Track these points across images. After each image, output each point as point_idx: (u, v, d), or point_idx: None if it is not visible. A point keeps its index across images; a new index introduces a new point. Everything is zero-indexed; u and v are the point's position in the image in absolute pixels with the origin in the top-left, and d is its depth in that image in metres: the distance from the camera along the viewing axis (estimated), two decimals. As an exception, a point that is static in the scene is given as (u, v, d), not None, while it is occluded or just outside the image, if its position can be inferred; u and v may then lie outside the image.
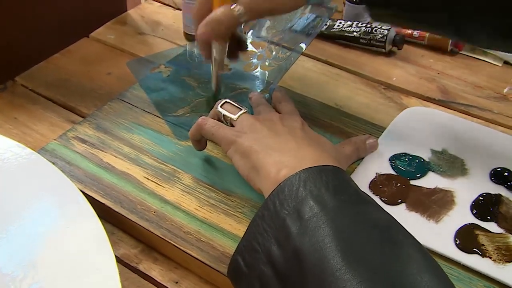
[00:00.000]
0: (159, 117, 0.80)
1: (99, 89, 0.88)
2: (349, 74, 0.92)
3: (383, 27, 0.95)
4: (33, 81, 0.90)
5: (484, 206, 0.66)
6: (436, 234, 0.63)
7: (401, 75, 0.92)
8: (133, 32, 1.02)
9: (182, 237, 0.63)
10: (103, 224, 0.60)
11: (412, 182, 0.70)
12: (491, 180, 0.70)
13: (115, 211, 0.67)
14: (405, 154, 0.74)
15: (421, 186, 0.69)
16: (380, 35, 0.94)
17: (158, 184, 0.70)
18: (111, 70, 0.92)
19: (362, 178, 0.70)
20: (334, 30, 0.98)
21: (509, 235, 0.63)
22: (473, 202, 0.67)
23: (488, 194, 0.68)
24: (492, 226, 0.64)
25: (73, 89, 0.88)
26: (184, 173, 0.71)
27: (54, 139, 0.76)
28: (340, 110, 0.82)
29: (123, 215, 0.66)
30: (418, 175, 0.71)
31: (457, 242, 0.62)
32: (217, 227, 0.65)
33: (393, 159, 0.73)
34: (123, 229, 0.68)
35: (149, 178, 0.71)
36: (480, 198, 0.67)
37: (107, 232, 0.59)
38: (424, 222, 0.65)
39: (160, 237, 0.63)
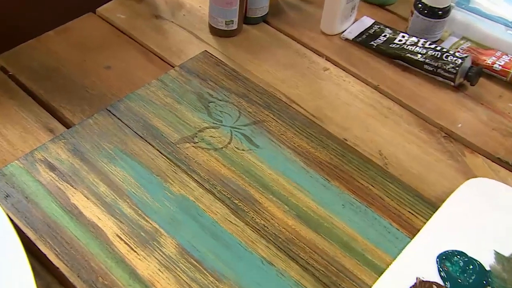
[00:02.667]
0: (153, 146, 0.62)
1: (92, 88, 0.71)
2: (403, 109, 0.73)
3: (457, 54, 0.75)
4: (15, 64, 0.74)
5: None
6: None
7: (469, 121, 0.72)
8: (148, 13, 0.83)
9: None
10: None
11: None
12: None
13: (69, 281, 0.51)
14: (460, 254, 0.56)
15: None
16: (451, 64, 0.74)
17: (132, 249, 0.54)
18: (111, 62, 0.75)
19: (397, 283, 0.53)
20: (393, 46, 0.78)
21: None
22: None
23: None
24: None
25: (61, 82, 0.71)
26: (168, 237, 0.55)
27: (17, 161, 0.60)
28: (384, 169, 0.63)
29: (77, 289, 0.51)
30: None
31: None
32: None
33: (442, 259, 0.55)
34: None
35: (122, 237, 0.55)
36: None
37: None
38: None
39: None
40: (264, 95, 0.69)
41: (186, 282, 0.52)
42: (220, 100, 0.68)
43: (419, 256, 0.55)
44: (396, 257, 0.55)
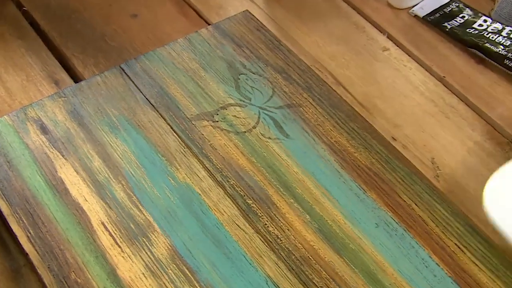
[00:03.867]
0: (164, 120, 0.53)
1: (112, 38, 0.62)
2: (469, 110, 0.61)
3: (547, 52, 0.61)
4: (32, 0, 0.64)
5: None
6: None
7: (549, 136, 0.60)
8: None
9: None
10: None
11: None
12: None
13: (38, 272, 0.44)
14: None
15: None
16: (538, 63, 0.61)
17: (116, 243, 0.45)
18: (139, 10, 0.65)
19: None
20: (471, 31, 0.65)
21: None
22: None
23: None
24: None
25: (78, 27, 0.62)
26: (161, 235, 0.46)
27: (6, 116, 0.52)
28: (432, 185, 0.53)
29: (45, 284, 0.43)
30: None
31: None
32: None
33: None
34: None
35: (108, 227, 0.46)
36: None
37: None
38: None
39: None
40: (306, 73, 0.58)
41: (172, 294, 0.43)
42: (253, 73, 0.58)
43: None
44: (430, 301, 0.45)
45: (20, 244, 0.45)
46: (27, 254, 0.45)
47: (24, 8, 0.64)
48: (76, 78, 0.58)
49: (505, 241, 0.46)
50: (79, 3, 0.65)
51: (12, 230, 0.46)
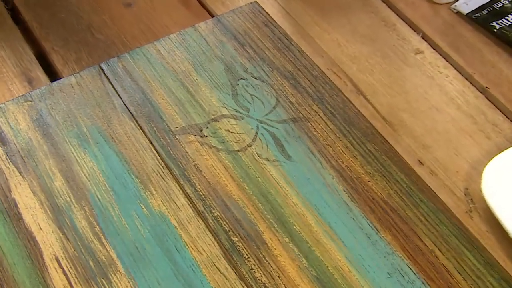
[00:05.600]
0: (143, 132, 0.45)
1: (100, 30, 0.54)
2: (516, 130, 0.51)
3: None
4: (15, -18, 0.57)
5: None
6: None
7: None
8: None
9: None
10: None
11: None
12: None
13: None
14: None
15: None
16: None
17: (69, 285, 0.38)
18: (134, -2, 0.57)
19: None
20: (524, 33, 0.55)
21: None
22: None
23: None
24: None
25: (62, 16, 0.55)
26: (124, 276, 0.38)
27: (-40, 121, 0.44)
28: (463, 226, 0.43)
29: (-21, 332, 0.36)
30: None
31: None
32: None
33: None
34: None
35: (62, 263, 0.38)
36: None
37: None
38: None
39: None
40: (318, 79, 0.49)
41: None
42: (255, 78, 0.49)
43: None
44: None
45: (-43, 279, 0.38)
46: (-38, 293, 0.38)
47: (5, -7, 0.56)
48: (53, 76, 0.51)
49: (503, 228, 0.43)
50: (68, -13, 0.57)
51: (-50, 261, 0.39)
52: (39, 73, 0.51)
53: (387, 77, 0.53)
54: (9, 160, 0.43)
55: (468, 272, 0.40)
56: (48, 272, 0.39)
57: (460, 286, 0.40)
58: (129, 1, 0.57)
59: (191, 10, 0.57)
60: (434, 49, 0.56)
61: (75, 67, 0.51)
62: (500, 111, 0.52)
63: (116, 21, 0.55)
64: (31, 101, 0.46)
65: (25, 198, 0.41)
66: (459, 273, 0.40)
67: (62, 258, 0.39)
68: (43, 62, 0.52)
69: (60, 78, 0.49)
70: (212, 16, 0.56)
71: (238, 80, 0.49)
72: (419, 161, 0.48)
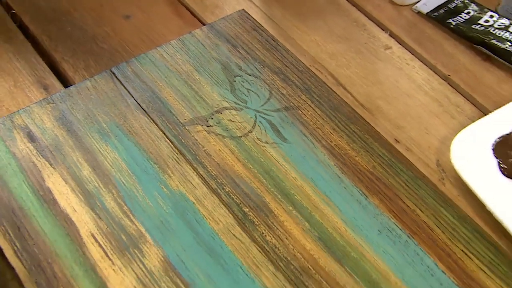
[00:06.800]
0: (156, 125, 0.51)
1: (103, 40, 0.60)
2: (475, 110, 0.59)
3: (556, 47, 0.59)
4: (22, 1, 0.62)
5: None
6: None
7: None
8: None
9: None
10: None
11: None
12: None
13: (24, 286, 0.42)
14: None
15: None
16: (547, 60, 0.59)
17: (107, 255, 0.43)
18: (132, 11, 0.63)
19: (492, 128, 0.53)
20: (477, 28, 0.63)
21: None
22: None
23: None
24: None
25: (68, 30, 0.60)
26: (153, 246, 0.44)
27: (-8, 124, 0.50)
28: (438, 189, 0.50)
29: (32, 300, 0.41)
30: None
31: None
32: None
33: None
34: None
35: (98, 239, 0.44)
36: None
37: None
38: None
39: None
40: (304, 74, 0.56)
41: (165, 309, 0.41)
42: (249, 75, 0.55)
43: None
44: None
45: (6, 259, 0.43)
46: (13, 268, 0.43)
47: (12, 11, 0.62)
48: (66, 82, 0.56)
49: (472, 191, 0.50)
50: (69, 5, 0.63)
51: (-4, 244, 0.44)
52: (53, 80, 0.56)
53: (362, 70, 0.61)
54: (39, 154, 0.49)
55: (445, 226, 0.48)
56: (86, 247, 0.44)
57: (439, 237, 0.47)
58: (127, 14, 0.63)
59: (184, 19, 0.63)
60: (400, 44, 0.64)
61: (85, 74, 0.57)
62: (461, 94, 0.60)
63: (118, 32, 0.61)
64: (53, 103, 0.52)
65: (58, 185, 0.47)
66: (438, 227, 0.48)
67: (97, 234, 0.45)
68: (55, 71, 0.58)
69: (72, 85, 0.55)
70: (203, 24, 0.63)
71: (235, 77, 0.55)
72: (395, 139, 0.55)
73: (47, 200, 0.46)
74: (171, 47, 0.57)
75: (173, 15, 0.64)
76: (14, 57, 0.58)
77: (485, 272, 0.45)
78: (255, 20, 0.60)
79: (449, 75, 0.61)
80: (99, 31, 0.61)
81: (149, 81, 0.54)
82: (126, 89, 0.53)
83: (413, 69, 0.61)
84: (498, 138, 0.54)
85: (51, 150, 0.49)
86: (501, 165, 0.52)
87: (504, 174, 0.52)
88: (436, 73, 0.61)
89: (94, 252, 0.44)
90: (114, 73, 0.54)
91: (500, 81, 0.61)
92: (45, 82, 0.56)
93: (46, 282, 0.42)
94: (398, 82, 0.60)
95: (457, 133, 0.54)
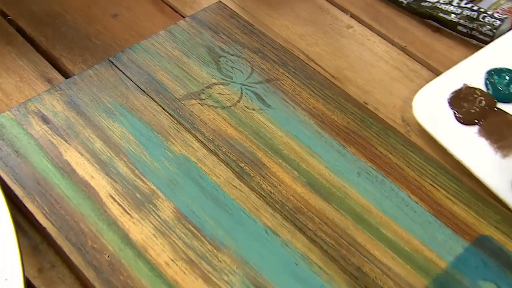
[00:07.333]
0: (156, 102, 0.58)
1: (96, 37, 0.66)
2: (431, 73, 0.67)
3: (495, 15, 0.68)
4: (15, 7, 0.69)
5: None
6: (497, 170, 0.56)
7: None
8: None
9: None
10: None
11: (500, 106, 0.61)
12: None
13: (56, 243, 0.48)
14: (509, 71, 0.63)
15: (507, 113, 0.61)
16: (488, 25, 0.68)
17: (126, 211, 0.50)
18: (118, 10, 0.70)
19: (446, 85, 0.62)
20: (425, 4, 0.72)
21: None
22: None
23: None
24: None
25: (63, 30, 0.67)
26: (165, 200, 0.50)
27: (8, 111, 0.56)
28: (405, 137, 0.58)
29: (65, 253, 0.47)
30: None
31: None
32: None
33: (491, 74, 0.63)
34: (67, 264, 0.49)
35: (116, 198, 0.50)
36: None
37: (47, 262, 0.47)
38: (490, 152, 0.58)
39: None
40: (280, 51, 0.64)
41: (182, 250, 0.48)
42: (232, 55, 0.63)
43: (470, 69, 0.63)
44: (413, 232, 0.50)
45: (37, 222, 0.49)
46: (44, 229, 0.49)
47: (9, 17, 0.68)
48: (66, 75, 0.62)
49: (434, 139, 0.59)
50: (60, 8, 0.69)
51: (27, 210, 0.50)
52: (55, 74, 0.62)
53: (330, 47, 0.69)
54: (54, 133, 0.55)
55: (414, 165, 0.55)
56: (106, 206, 0.50)
57: (410, 175, 0.55)
58: (115, 13, 0.69)
59: (166, 15, 0.71)
60: (361, 23, 0.72)
61: (83, 67, 0.63)
62: (417, 62, 0.68)
63: (108, 29, 0.68)
64: (60, 91, 0.58)
65: (74, 158, 0.53)
66: (408, 167, 0.55)
67: (115, 195, 0.51)
68: (55, 66, 0.64)
69: (73, 76, 0.61)
70: (184, 17, 0.70)
71: (219, 57, 0.62)
72: (364, 102, 0.63)
73: (67, 170, 0.52)
74: (160, 37, 0.64)
75: (156, 11, 0.71)
76: (17, 56, 0.64)
77: (451, 200, 0.53)
78: (231, 9, 0.68)
79: (405, 46, 0.69)
80: (91, 29, 0.67)
81: (144, 66, 0.61)
82: (125, 74, 0.60)
83: (374, 43, 0.70)
84: (452, 93, 0.62)
85: (65, 129, 0.55)
86: (457, 115, 0.60)
87: (460, 122, 0.60)
88: (394, 45, 0.70)
89: (114, 209, 0.50)
90: (112, 62, 0.61)
91: (449, 48, 0.70)
92: (48, 76, 0.62)
93: (76, 237, 0.48)
94: (362, 55, 0.68)
95: (417, 92, 0.63)
